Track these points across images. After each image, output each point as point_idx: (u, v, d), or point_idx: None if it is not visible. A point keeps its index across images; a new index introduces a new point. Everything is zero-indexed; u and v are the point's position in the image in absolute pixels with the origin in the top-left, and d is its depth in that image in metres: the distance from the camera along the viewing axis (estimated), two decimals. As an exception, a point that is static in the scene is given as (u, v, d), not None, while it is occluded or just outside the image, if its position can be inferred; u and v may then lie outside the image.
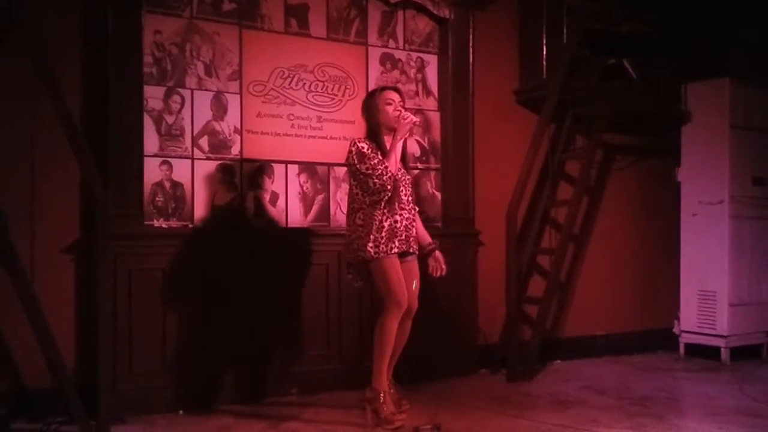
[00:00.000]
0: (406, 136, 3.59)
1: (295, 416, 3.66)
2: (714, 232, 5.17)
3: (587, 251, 5.39)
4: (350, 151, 3.49)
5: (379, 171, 3.40)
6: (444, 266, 3.71)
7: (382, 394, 3.44)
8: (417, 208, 3.71)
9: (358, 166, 3.44)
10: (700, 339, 5.24)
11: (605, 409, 3.79)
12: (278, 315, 4.05)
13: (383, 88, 3.66)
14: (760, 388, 4.32)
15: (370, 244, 3.40)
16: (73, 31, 3.71)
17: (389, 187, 3.41)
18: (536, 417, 3.63)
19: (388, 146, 3.53)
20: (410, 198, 3.60)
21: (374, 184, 3.40)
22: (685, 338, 5.35)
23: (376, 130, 3.56)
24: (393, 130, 3.52)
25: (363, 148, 3.46)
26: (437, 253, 3.71)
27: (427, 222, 4.47)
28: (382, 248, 3.40)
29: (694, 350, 5.29)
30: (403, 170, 3.62)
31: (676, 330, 5.44)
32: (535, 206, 5.13)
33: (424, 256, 3.70)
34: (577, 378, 4.58)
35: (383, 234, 3.41)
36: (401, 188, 3.53)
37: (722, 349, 5.09)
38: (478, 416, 3.67)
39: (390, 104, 3.55)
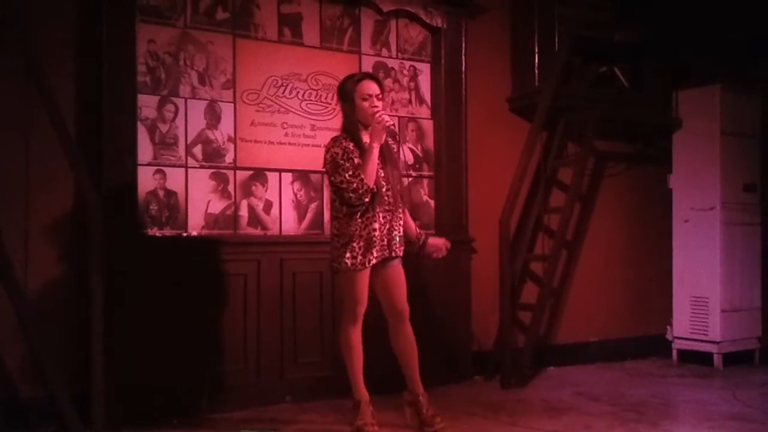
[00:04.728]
0: (382, 140, 3.31)
1: (290, 423, 3.66)
2: (706, 239, 5.20)
3: (580, 258, 5.41)
4: (325, 159, 3.34)
5: (354, 185, 3.22)
6: (444, 246, 3.56)
7: (360, 405, 3.40)
8: (408, 204, 3.53)
9: (332, 178, 3.30)
10: (693, 345, 5.27)
11: (599, 415, 3.80)
12: (272, 322, 4.06)
13: (360, 78, 3.40)
14: (753, 393, 4.34)
15: (348, 255, 3.29)
16: (67, 40, 3.71)
17: (366, 199, 3.27)
18: (530, 423, 3.64)
19: (365, 140, 3.34)
20: (396, 196, 3.41)
21: (349, 198, 3.25)
22: (677, 344, 5.38)
23: (352, 125, 3.36)
24: (369, 127, 3.34)
25: (337, 155, 3.26)
26: (430, 241, 3.58)
27: (420, 229, 4.48)
28: (359, 259, 3.29)
29: (686, 356, 5.32)
30: (388, 166, 3.41)
31: (668, 336, 5.46)
32: (528, 213, 5.15)
33: (419, 249, 3.58)
34: (571, 384, 4.60)
35: (360, 245, 3.29)
36: (384, 187, 3.36)
37: (715, 355, 5.12)
38: (471, 423, 3.67)
39: (366, 100, 3.32)
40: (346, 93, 3.38)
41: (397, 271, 3.45)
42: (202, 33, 4.01)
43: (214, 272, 3.90)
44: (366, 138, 3.38)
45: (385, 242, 3.36)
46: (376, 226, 3.32)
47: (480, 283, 4.76)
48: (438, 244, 3.60)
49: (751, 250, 5.32)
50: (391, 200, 3.39)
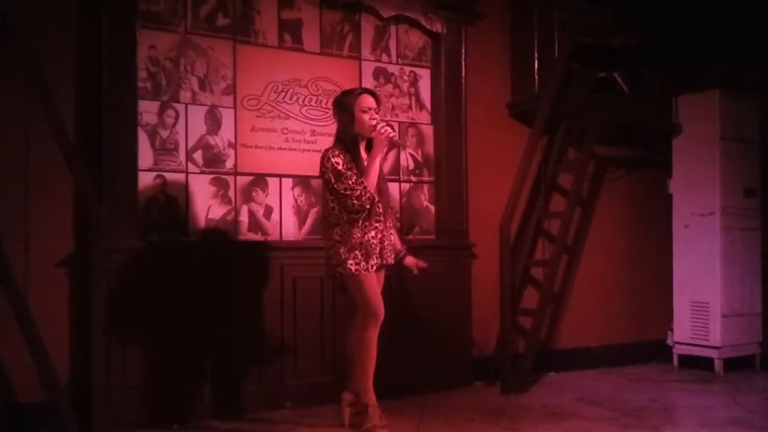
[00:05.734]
0: (384, 151, 3.47)
1: (290, 429, 3.66)
2: (706, 244, 5.20)
3: (580, 263, 5.41)
4: (324, 167, 3.40)
5: (358, 192, 3.33)
6: (420, 263, 3.69)
7: (368, 408, 3.43)
8: (396, 214, 3.63)
9: (335, 185, 3.36)
10: (694, 350, 5.26)
11: (600, 420, 3.80)
12: (272, 328, 4.05)
13: (360, 92, 3.51)
14: (754, 399, 4.34)
15: (351, 261, 3.37)
16: (68, 45, 3.73)
17: (368, 206, 3.38)
18: (531, 429, 3.63)
19: (362, 151, 3.47)
20: (386, 208, 3.54)
21: (353, 204, 3.35)
22: (678, 349, 5.37)
23: (350, 137, 3.45)
24: (368, 139, 3.46)
25: (338, 164, 3.36)
26: (408, 258, 3.69)
27: (420, 234, 4.51)
28: (363, 265, 3.39)
29: (687, 361, 5.31)
30: (378, 180, 3.49)
31: (669, 341, 5.46)
32: (528, 218, 5.16)
33: (398, 262, 3.68)
34: (572, 390, 4.59)
35: (362, 251, 3.39)
36: (376, 199, 3.46)
37: (715, 360, 5.11)
38: (472, 429, 3.67)
39: (366, 112, 3.43)
40: (346, 106, 3.48)
41: (380, 279, 3.60)
42: (203, 39, 4.02)
43: (214, 277, 3.90)
44: (362, 149, 3.49)
45: (378, 250, 3.47)
46: (373, 233, 3.44)
47: (480, 288, 4.76)
48: (411, 263, 3.72)
49: (752, 255, 5.31)
50: (382, 211, 3.50)
